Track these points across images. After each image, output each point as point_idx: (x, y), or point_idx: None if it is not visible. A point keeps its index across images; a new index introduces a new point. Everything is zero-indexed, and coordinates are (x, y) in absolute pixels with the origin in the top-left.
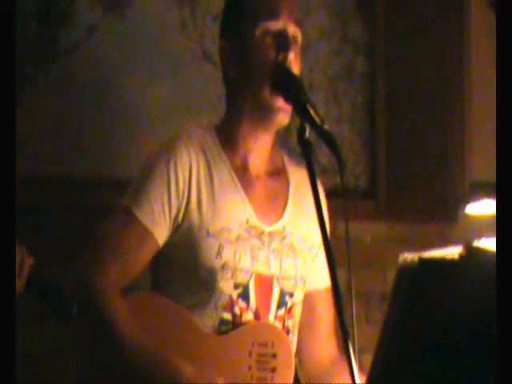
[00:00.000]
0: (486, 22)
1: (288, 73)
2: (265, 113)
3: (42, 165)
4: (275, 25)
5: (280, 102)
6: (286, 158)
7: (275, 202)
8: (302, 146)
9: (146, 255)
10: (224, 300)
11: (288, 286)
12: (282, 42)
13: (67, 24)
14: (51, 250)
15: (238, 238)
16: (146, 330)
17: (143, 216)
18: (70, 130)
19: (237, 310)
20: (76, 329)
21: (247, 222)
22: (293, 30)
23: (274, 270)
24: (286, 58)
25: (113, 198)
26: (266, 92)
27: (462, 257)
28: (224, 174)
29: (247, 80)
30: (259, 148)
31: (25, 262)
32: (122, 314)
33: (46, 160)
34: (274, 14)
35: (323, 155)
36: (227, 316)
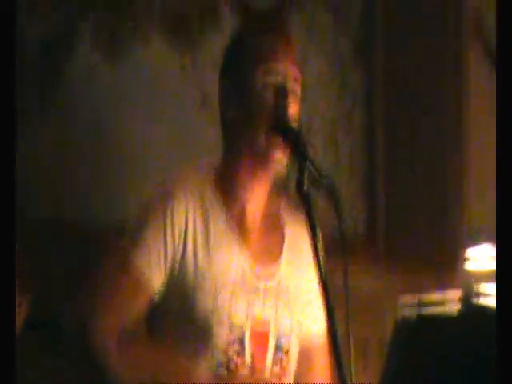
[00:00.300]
0: (484, 74)
1: (287, 125)
2: (262, 161)
3: (39, 205)
4: (276, 67)
5: (277, 154)
6: (282, 205)
7: (271, 251)
8: (300, 197)
9: (142, 301)
10: (219, 354)
11: (283, 342)
12: (282, 86)
13: (68, 68)
14: (51, 290)
15: (233, 286)
16: (141, 377)
17: (140, 261)
18: (69, 172)
19: (232, 366)
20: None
21: (243, 269)
22: (293, 72)
23: (270, 316)
24: (285, 104)
25: (111, 239)
26: (263, 139)
27: (460, 312)
28: (220, 223)
29: (246, 120)
30: (257, 195)
31: (23, 301)
32: (118, 359)
33: (44, 201)
34: (275, 57)
35: (321, 200)
36: (223, 371)
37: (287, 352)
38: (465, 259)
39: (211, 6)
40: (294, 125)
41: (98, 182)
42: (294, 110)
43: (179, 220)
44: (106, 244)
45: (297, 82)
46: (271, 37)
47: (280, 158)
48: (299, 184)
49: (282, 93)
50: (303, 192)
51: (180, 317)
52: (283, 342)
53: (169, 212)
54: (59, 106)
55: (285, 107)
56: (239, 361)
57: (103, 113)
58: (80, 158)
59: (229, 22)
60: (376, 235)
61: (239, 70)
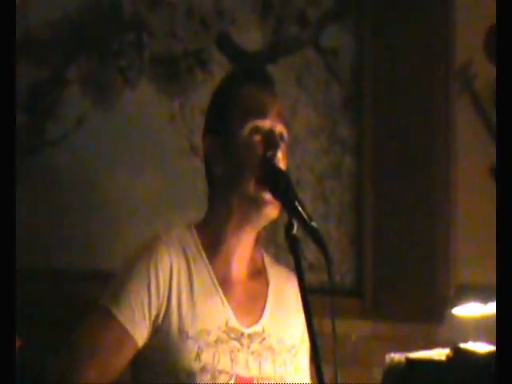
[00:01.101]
0: (473, 125)
1: (276, 169)
2: (253, 206)
3: (24, 256)
4: (263, 123)
5: (268, 195)
6: (265, 256)
7: (254, 304)
8: (289, 242)
9: (125, 356)
10: None
11: None
12: (271, 140)
13: (55, 115)
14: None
15: (217, 341)
16: None
17: (123, 317)
18: (55, 222)
19: None
20: None
21: (226, 324)
22: (280, 128)
23: (253, 371)
24: (274, 155)
25: (96, 290)
26: (254, 187)
27: (449, 358)
28: (204, 277)
29: (234, 177)
30: (241, 249)
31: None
32: None
33: (29, 252)
34: (262, 114)
35: (310, 252)
36: None
37: None
38: (452, 314)
39: (199, 47)
40: (283, 168)
41: (84, 231)
42: (282, 160)
43: (163, 275)
44: (91, 297)
45: (283, 140)
46: (258, 92)
47: (271, 198)
48: (289, 227)
49: (271, 141)
50: (292, 235)
51: (164, 367)
52: None
53: (152, 267)
54: (46, 153)
55: (274, 154)
56: None
57: (90, 161)
58: (66, 206)
59: (218, 64)
60: (364, 289)
61: (225, 126)
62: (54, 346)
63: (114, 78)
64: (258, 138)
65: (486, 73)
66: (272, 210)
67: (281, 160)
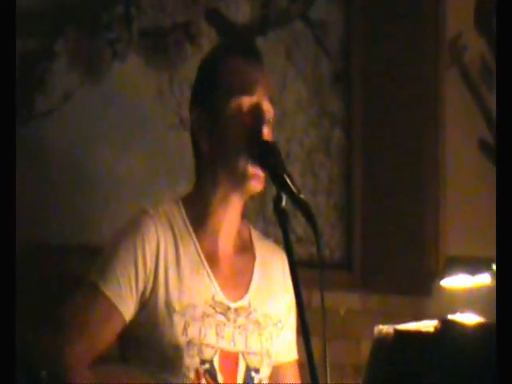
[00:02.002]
0: (461, 99)
1: (265, 142)
2: (240, 180)
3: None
4: (250, 99)
5: (255, 169)
6: (253, 231)
7: (241, 279)
8: (277, 215)
9: (112, 331)
10: (190, 376)
11: (254, 362)
12: (258, 115)
13: (43, 88)
14: (25, 315)
15: (203, 315)
16: None
17: (110, 292)
18: (42, 196)
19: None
20: None
21: (213, 298)
22: (267, 105)
23: (239, 345)
24: (261, 129)
25: (83, 265)
26: (242, 161)
27: (437, 330)
28: (191, 251)
29: (221, 152)
30: (228, 223)
31: None
32: None
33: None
34: (249, 89)
35: (299, 225)
36: None
37: (258, 371)
38: (440, 287)
39: (188, 20)
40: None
41: (72, 206)
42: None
43: (150, 250)
44: (78, 272)
45: (270, 110)
46: (245, 65)
47: (258, 172)
48: (277, 200)
49: (257, 116)
50: (281, 209)
51: (151, 342)
52: (254, 361)
53: (139, 242)
54: (33, 126)
55: (261, 128)
56: (210, 381)
57: (78, 134)
58: (53, 181)
59: (207, 38)
60: (352, 263)
61: (211, 100)
62: (41, 320)
63: (102, 51)
64: (244, 113)
65: (475, 45)
66: (258, 184)
67: (267, 135)
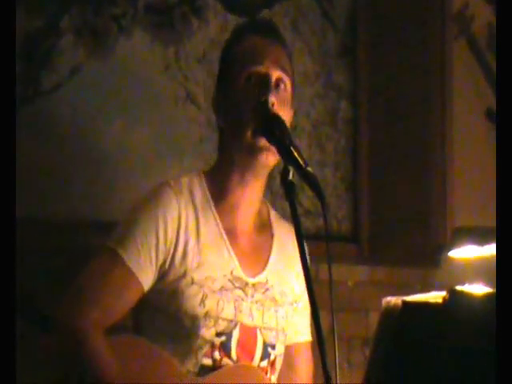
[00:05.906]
0: (469, 71)
1: (270, 114)
2: (251, 154)
3: (25, 205)
4: (258, 69)
5: (263, 142)
6: (272, 211)
7: (259, 255)
8: (284, 187)
9: (130, 298)
10: (205, 347)
11: (270, 338)
12: (264, 84)
13: (49, 65)
14: (38, 288)
15: (221, 288)
16: (126, 372)
17: (129, 259)
18: (52, 172)
19: (217, 356)
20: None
21: (231, 273)
22: (277, 75)
23: (257, 320)
24: (267, 100)
25: (95, 239)
26: (250, 134)
27: (445, 300)
28: (211, 225)
29: (233, 125)
30: (247, 201)
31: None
32: (103, 354)
33: (28, 201)
34: (257, 60)
35: (306, 198)
36: (207, 361)
37: (273, 347)
38: (448, 258)
39: None
40: (282, 115)
41: (82, 181)
42: (280, 105)
43: (171, 221)
44: (89, 247)
45: (281, 86)
46: (259, 41)
47: (266, 144)
48: (284, 173)
49: (263, 85)
50: (288, 180)
51: (168, 311)
52: (270, 336)
53: (161, 213)
54: (40, 103)
55: (267, 98)
56: (225, 353)
57: (85, 110)
58: (62, 157)
59: (213, 11)
60: (360, 235)
61: (226, 77)
62: (53, 294)
63: (108, 26)
64: (252, 83)
65: (482, 16)
66: (269, 157)
67: (277, 105)
